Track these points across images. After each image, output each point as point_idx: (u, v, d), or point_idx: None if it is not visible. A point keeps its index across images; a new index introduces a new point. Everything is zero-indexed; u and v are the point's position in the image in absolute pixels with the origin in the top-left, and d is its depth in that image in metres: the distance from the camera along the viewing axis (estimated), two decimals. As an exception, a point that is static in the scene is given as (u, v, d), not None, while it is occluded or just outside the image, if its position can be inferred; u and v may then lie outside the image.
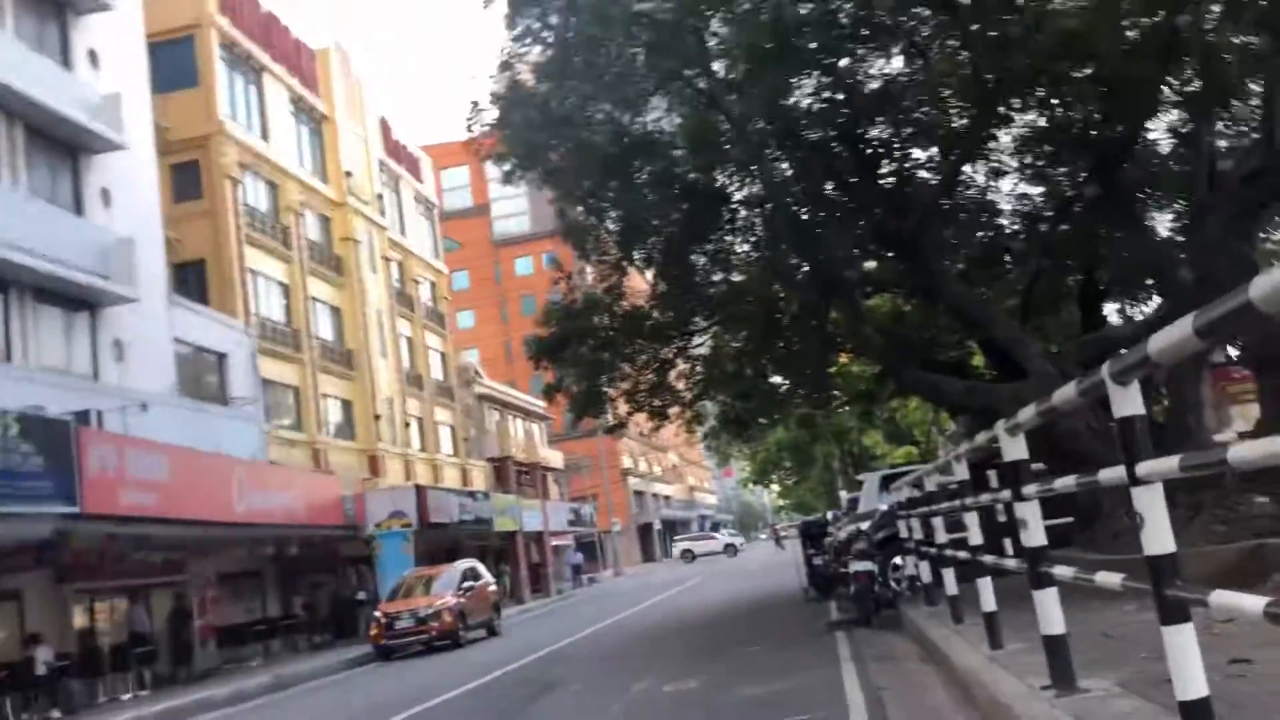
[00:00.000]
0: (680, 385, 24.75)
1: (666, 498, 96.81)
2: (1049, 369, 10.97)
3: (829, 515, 21.94)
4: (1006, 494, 6.17)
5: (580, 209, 21.94)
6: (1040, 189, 18.75)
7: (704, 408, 25.40)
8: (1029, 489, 5.52)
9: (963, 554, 9.93)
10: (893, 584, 12.93)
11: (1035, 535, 5.52)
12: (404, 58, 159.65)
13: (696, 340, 23.87)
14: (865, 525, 13.39)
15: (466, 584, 23.22)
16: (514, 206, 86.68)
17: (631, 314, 22.81)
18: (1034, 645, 5.74)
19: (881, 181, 13.68)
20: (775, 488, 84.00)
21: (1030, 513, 5.52)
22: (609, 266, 22.33)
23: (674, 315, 22.65)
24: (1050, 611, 5.32)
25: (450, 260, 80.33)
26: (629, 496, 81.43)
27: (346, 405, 37.11)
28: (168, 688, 20.51)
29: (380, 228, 41.66)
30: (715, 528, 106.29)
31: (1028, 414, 5.03)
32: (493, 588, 25.11)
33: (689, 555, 65.27)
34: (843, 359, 28.45)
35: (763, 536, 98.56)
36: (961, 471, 8.72)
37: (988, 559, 8.26)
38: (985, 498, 8.09)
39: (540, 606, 36.56)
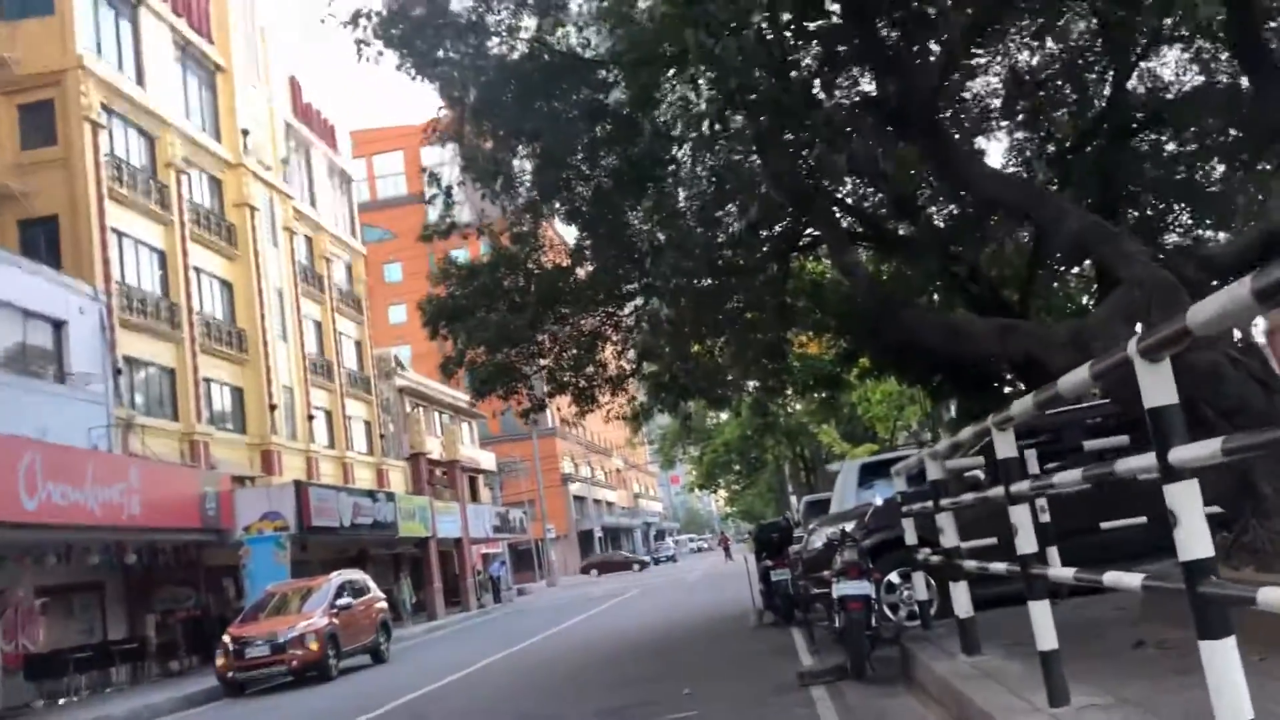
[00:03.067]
0: (610, 362, 20.68)
1: (609, 504, 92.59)
2: (1160, 273, 7.11)
3: (789, 517, 17.89)
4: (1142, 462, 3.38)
5: (486, 138, 17.73)
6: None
7: (640, 392, 21.32)
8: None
9: (997, 567, 6.29)
10: (889, 611, 8.98)
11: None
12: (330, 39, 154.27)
13: (629, 308, 19.78)
14: (847, 527, 9.36)
15: (342, 600, 18.89)
16: (453, 195, 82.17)
17: (552, 273, 18.73)
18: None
19: (883, 32, 9.83)
20: (722, 493, 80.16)
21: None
22: (522, 213, 18.20)
23: (603, 277, 18.53)
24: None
25: (382, 251, 75.75)
26: (569, 502, 77.11)
27: (237, 392, 32.53)
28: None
29: (284, 196, 37.14)
30: (660, 536, 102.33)
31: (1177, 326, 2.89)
32: (380, 604, 20.79)
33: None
34: (801, 341, 24.61)
35: (704, 546, 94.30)
36: (1006, 446, 5.75)
37: (1052, 573, 5.23)
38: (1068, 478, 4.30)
39: (453, 623, 32.20)
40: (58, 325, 22.17)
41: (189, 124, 31.73)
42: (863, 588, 7.84)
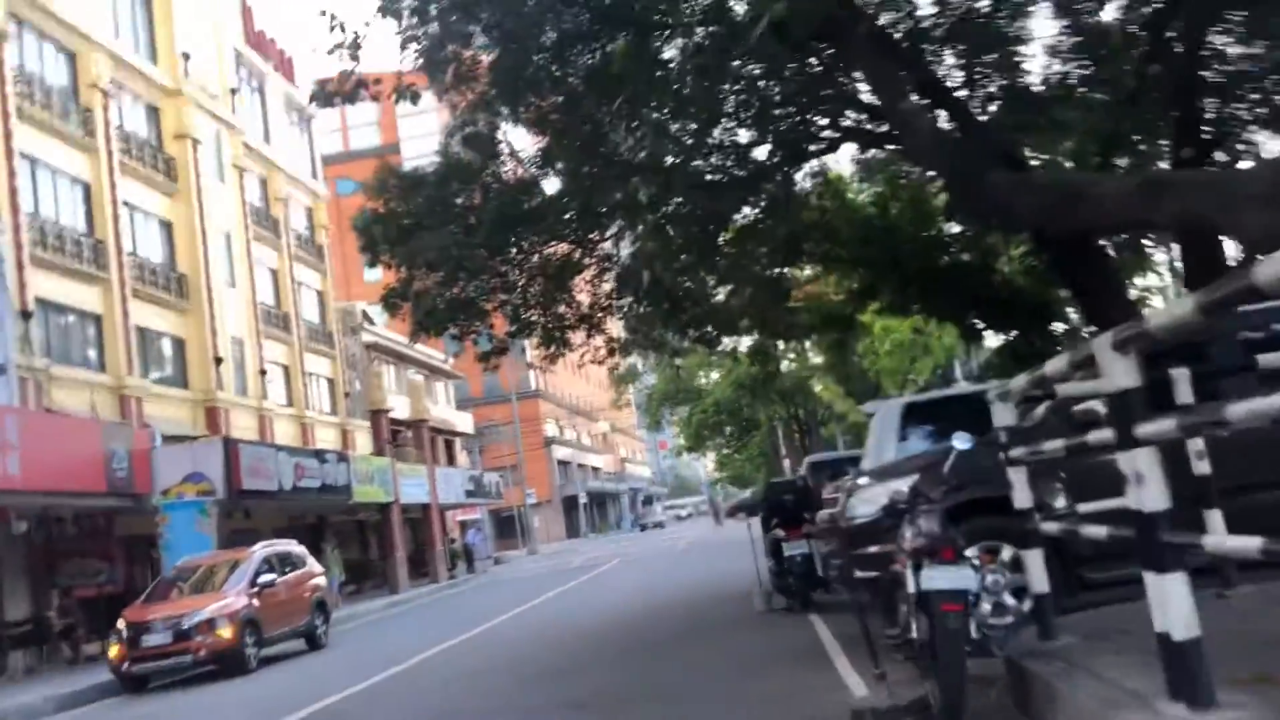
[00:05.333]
0: (584, 297, 17.60)
1: (595, 469, 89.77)
2: None
3: (801, 475, 14.83)
4: None
5: (431, 20, 14.54)
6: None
7: (619, 331, 18.25)
8: None
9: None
10: (993, 607, 5.97)
11: None
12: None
13: (608, 232, 16.66)
14: (908, 485, 6.35)
15: (265, 578, 15.85)
16: (429, 146, 78.60)
17: (513, 187, 15.62)
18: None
19: None
20: (711, 457, 77.35)
21: None
22: (475, 113, 15.03)
23: (574, 194, 15.39)
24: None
25: (356, 205, 72.38)
26: (552, 467, 74.22)
27: (177, 343, 29.34)
28: None
29: (233, 129, 33.73)
30: (648, 502, 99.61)
31: None
32: (318, 581, 17.75)
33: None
34: (806, 278, 21.56)
35: (682, 514, 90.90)
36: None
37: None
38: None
39: (416, 597, 29.23)
40: (-61, 256, 18.96)
41: (118, 43, 28.29)
42: (963, 578, 4.84)
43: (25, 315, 22.08)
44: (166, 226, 29.72)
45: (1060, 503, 6.73)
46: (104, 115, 26.79)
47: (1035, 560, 5.40)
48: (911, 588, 5.07)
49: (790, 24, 7.29)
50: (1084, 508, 5.81)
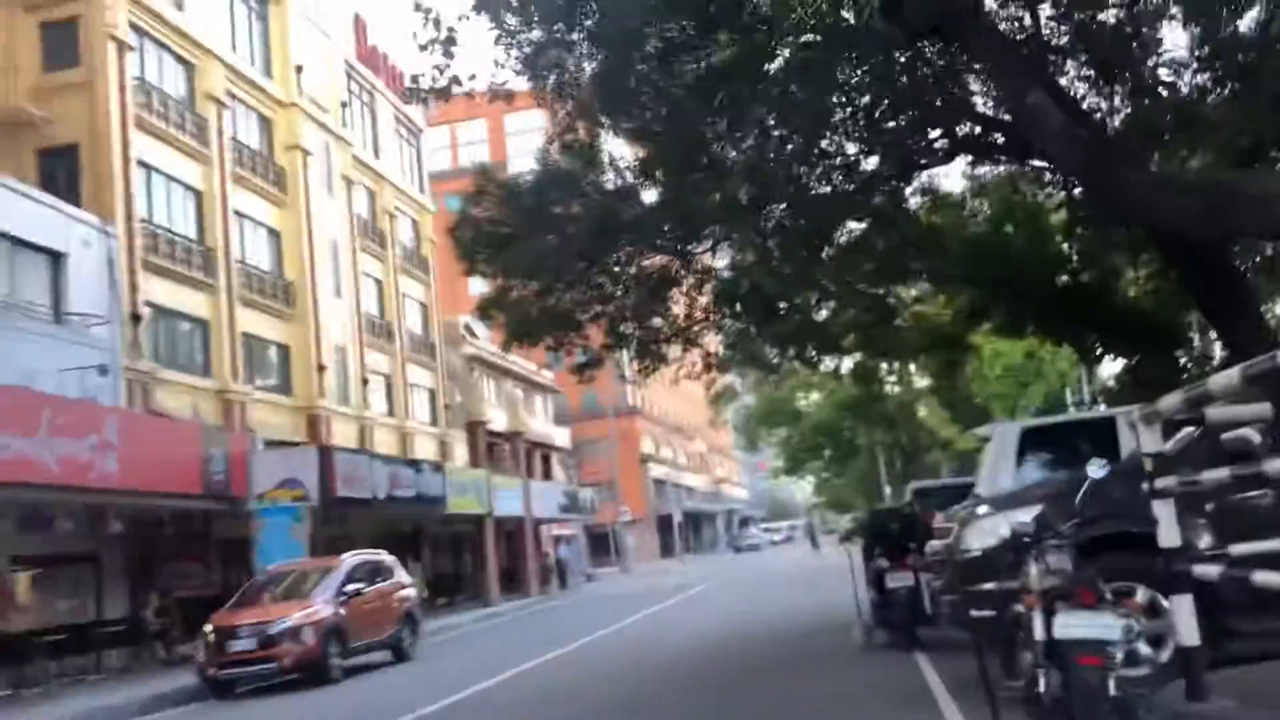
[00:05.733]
0: (680, 311, 17.12)
1: (690, 489, 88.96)
2: None
3: (907, 501, 14.01)
4: None
5: (535, 25, 14.31)
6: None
7: (717, 346, 17.71)
8: None
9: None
10: (1125, 656, 5.29)
11: None
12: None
13: (705, 244, 16.16)
14: (1028, 515, 5.70)
15: (352, 586, 15.69)
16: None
17: (611, 195, 15.25)
18: None
19: None
20: (810, 480, 76.01)
21: None
22: (575, 121, 14.72)
23: (674, 204, 14.94)
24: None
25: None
26: (647, 485, 73.73)
27: (282, 350, 29.77)
28: None
29: (343, 142, 34.26)
30: (744, 524, 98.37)
31: None
32: (405, 592, 17.56)
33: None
34: (914, 299, 20.70)
35: (776, 538, 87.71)
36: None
37: None
38: None
39: (508, 611, 29.00)
40: (55, 258, 19.38)
41: (235, 55, 28.93)
42: (1105, 627, 4.21)
43: (135, 319, 22.52)
44: (275, 235, 30.21)
45: (1204, 541, 5.99)
46: (219, 125, 27.38)
47: (1184, 607, 4.73)
48: (1040, 634, 4.45)
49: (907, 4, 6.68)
50: (1237, 549, 5.11)
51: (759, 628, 15.20)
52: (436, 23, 10.76)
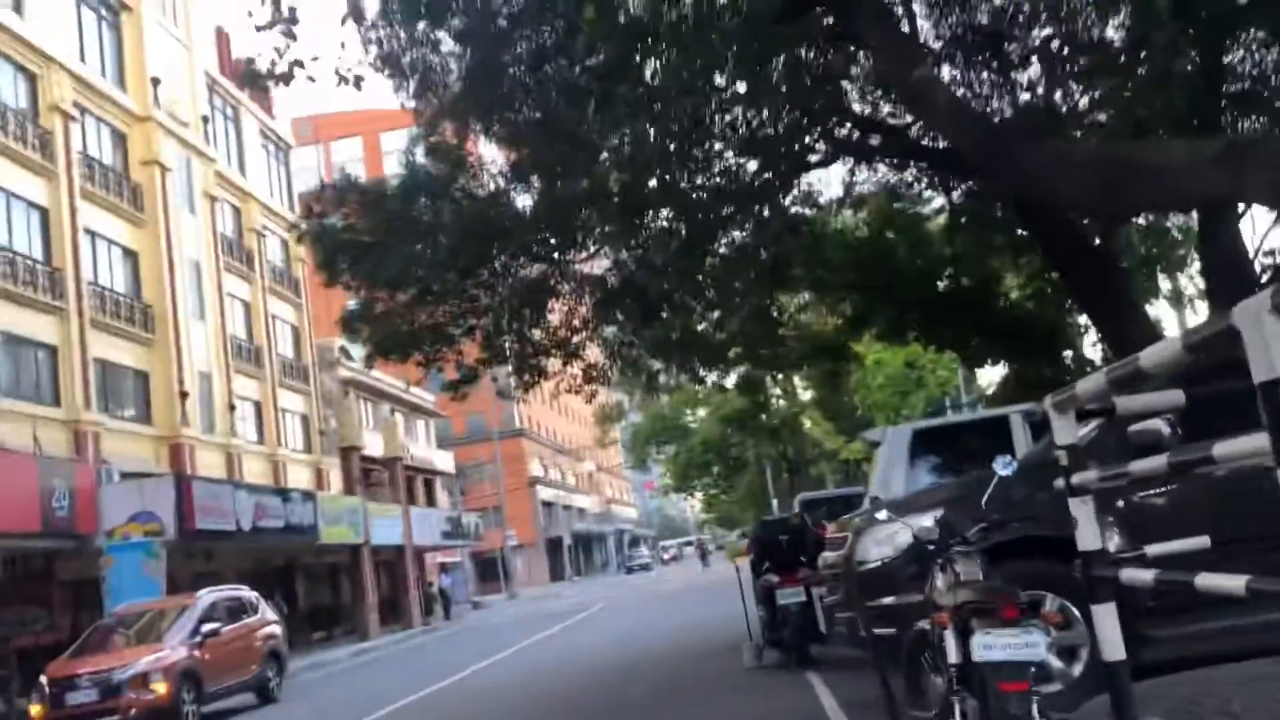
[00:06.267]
0: (559, 324, 16.43)
1: (580, 510, 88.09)
2: None
3: (796, 512, 13.51)
4: None
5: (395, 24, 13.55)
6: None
7: (599, 356, 17.03)
8: None
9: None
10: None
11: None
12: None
13: (582, 257, 15.53)
14: (929, 520, 5.21)
15: (209, 626, 14.51)
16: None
17: (483, 201, 14.51)
18: None
19: None
20: (698, 497, 75.96)
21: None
22: (440, 121, 13.95)
23: (549, 212, 14.29)
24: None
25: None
26: (536, 508, 72.62)
27: (140, 377, 28.02)
28: None
29: (205, 157, 32.65)
30: (635, 544, 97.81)
31: None
32: (270, 629, 16.38)
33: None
34: (794, 307, 20.41)
35: (665, 556, 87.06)
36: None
37: None
38: None
39: (386, 645, 27.74)
40: None
41: (83, 66, 27.25)
42: (1032, 648, 3.65)
43: (-30, 345, 20.83)
44: (131, 255, 28.53)
45: (1114, 543, 5.56)
46: (65, 139, 25.69)
47: (1107, 617, 4.21)
48: (954, 656, 3.88)
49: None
50: (1154, 549, 4.65)
51: (646, 652, 14.54)
52: (276, 1, 9.85)
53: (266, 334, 35.55)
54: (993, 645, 3.68)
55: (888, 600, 5.72)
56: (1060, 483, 4.71)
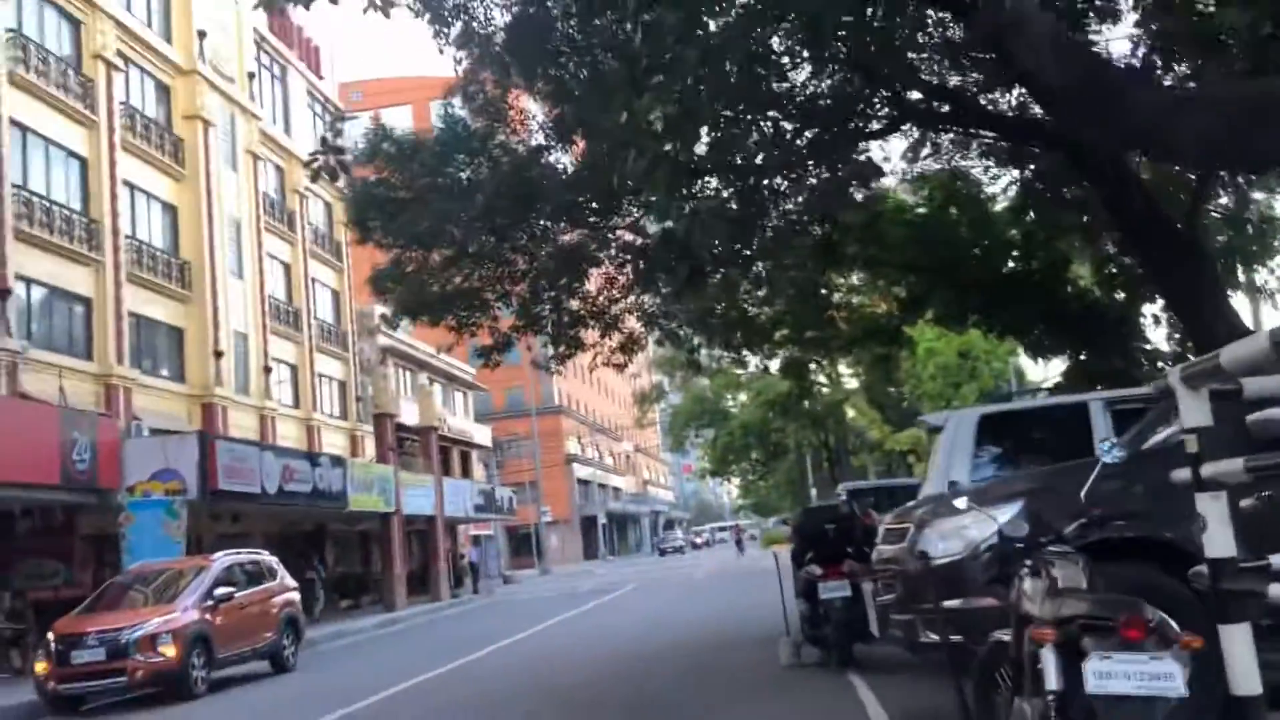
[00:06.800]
0: (598, 292, 15.67)
1: (616, 490, 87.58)
2: None
3: (844, 499, 12.65)
4: None
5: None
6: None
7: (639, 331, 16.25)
8: None
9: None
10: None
11: None
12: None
13: (626, 222, 14.72)
14: (1023, 511, 4.38)
15: (222, 590, 13.97)
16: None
17: (523, 157, 13.75)
18: None
19: None
20: (735, 482, 75.11)
21: None
22: (482, 73, 13.18)
23: (596, 182, 13.47)
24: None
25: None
26: (572, 485, 72.17)
27: (174, 333, 27.70)
28: None
29: (249, 115, 32.23)
30: (670, 526, 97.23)
31: None
32: (286, 595, 15.83)
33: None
34: (847, 287, 19.48)
35: (697, 541, 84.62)
36: None
37: None
38: None
39: (412, 617, 27.27)
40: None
41: (129, 15, 26.83)
42: (1165, 679, 2.87)
43: (3, 294, 20.46)
44: (170, 210, 28.16)
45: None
46: (107, 89, 25.29)
47: (1241, 642, 3.39)
48: (1055, 682, 3.10)
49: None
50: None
51: (674, 640, 13.80)
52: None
53: (306, 297, 35.18)
54: (1113, 674, 2.90)
55: (954, 603, 4.93)
56: (1180, 475, 3.90)
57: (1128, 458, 4.12)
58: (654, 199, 14.01)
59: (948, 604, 4.91)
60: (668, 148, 9.75)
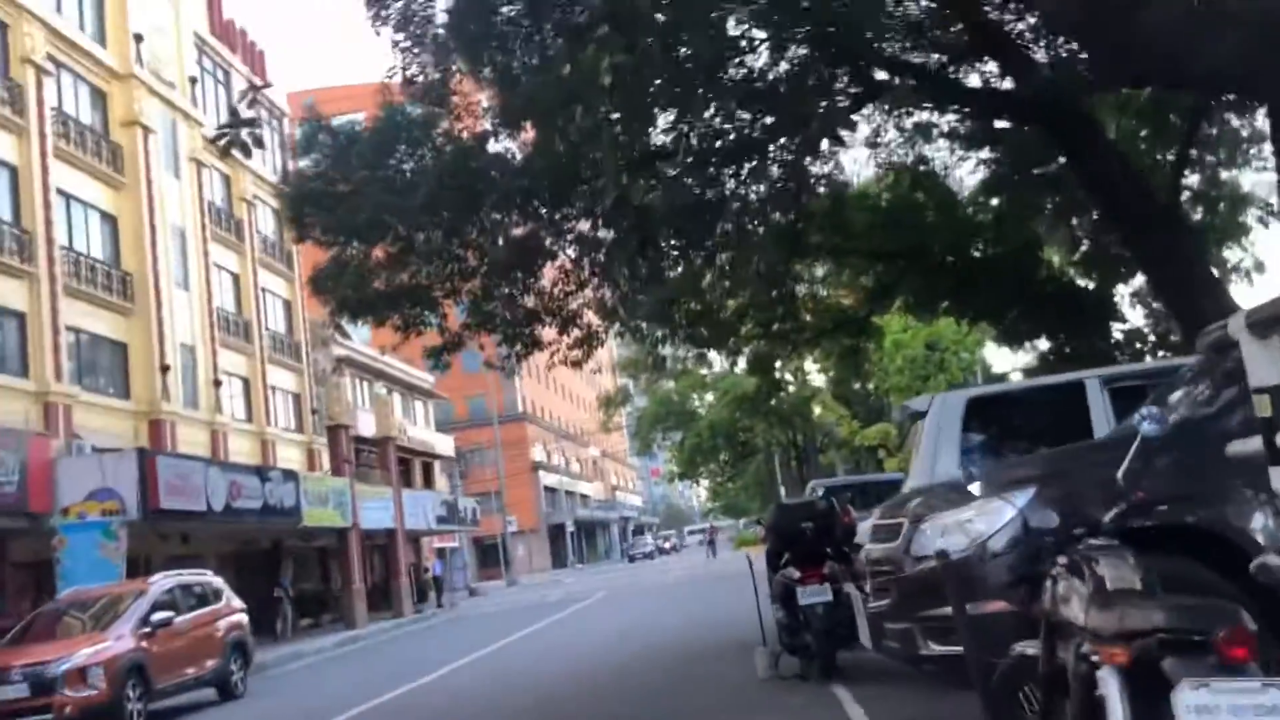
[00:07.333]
0: (552, 287, 14.91)
1: (584, 497, 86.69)
2: None
3: (820, 495, 11.94)
4: None
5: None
6: None
7: (596, 324, 15.51)
8: None
9: None
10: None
11: None
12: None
13: (578, 212, 13.97)
14: (1065, 501, 3.66)
15: (160, 615, 13.06)
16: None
17: (464, 146, 13.00)
18: None
19: None
20: (704, 485, 74.48)
21: None
22: (422, 58, 12.42)
23: (548, 172, 12.70)
24: None
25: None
26: (538, 493, 71.25)
27: (118, 348, 26.61)
28: None
29: (192, 120, 31.15)
30: (639, 532, 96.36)
31: None
32: (233, 618, 14.92)
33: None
34: (812, 277, 18.86)
35: (665, 545, 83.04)
36: None
37: None
38: None
39: (373, 634, 26.32)
40: None
41: (59, 18, 25.77)
42: (1272, 709, 2.20)
43: (-75, 308, 19.41)
44: (110, 220, 27.11)
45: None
46: (38, 93, 24.24)
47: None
48: (1123, 715, 2.39)
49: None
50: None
51: (645, 652, 13.05)
52: None
53: (256, 308, 34.12)
54: (1218, 709, 2.19)
55: (968, 609, 4.22)
56: (1239, 447, 3.22)
57: (1167, 429, 3.44)
58: (602, 159, 13.15)
59: (947, 611, 4.21)
60: (616, 116, 9.07)
